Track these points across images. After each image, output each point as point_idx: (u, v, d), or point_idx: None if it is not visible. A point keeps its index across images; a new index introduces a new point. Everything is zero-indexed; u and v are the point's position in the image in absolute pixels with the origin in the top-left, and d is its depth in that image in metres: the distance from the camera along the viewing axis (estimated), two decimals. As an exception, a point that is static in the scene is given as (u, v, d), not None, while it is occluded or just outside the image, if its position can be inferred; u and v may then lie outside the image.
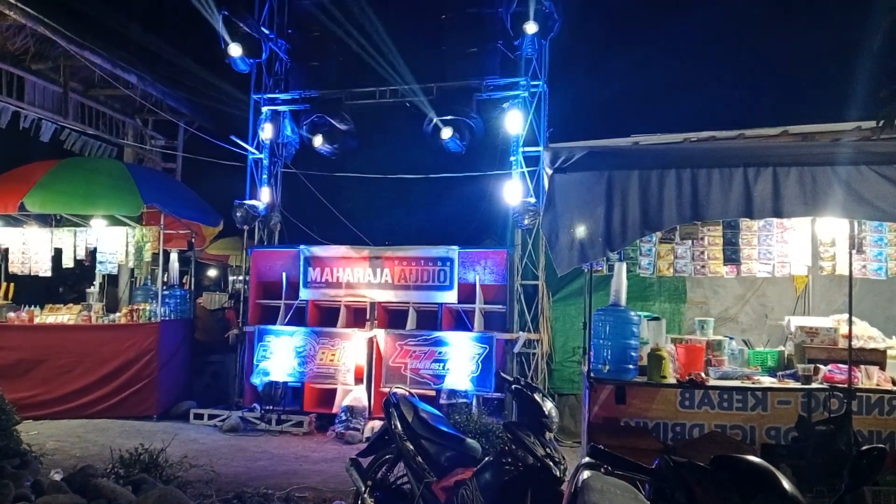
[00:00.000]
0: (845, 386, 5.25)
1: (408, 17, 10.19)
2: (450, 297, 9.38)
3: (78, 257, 10.70)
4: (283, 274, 10.06)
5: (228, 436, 8.86)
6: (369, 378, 9.28)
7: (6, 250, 10.71)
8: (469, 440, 4.51)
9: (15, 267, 10.65)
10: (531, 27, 9.10)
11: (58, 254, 10.63)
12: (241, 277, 12.88)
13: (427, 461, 4.36)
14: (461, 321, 9.44)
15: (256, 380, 9.49)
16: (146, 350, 9.59)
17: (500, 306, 9.37)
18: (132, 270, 12.27)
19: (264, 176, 10.88)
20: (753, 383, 5.52)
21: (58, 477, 5.67)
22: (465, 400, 8.61)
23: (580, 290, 8.71)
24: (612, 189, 5.26)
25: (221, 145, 11.16)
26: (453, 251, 9.42)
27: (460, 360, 8.94)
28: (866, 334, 6.00)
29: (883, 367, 5.56)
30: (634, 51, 15.82)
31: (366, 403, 9.10)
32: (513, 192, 9.51)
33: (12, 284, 10.83)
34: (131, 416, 9.42)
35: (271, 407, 9.30)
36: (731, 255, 6.59)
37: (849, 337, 5.43)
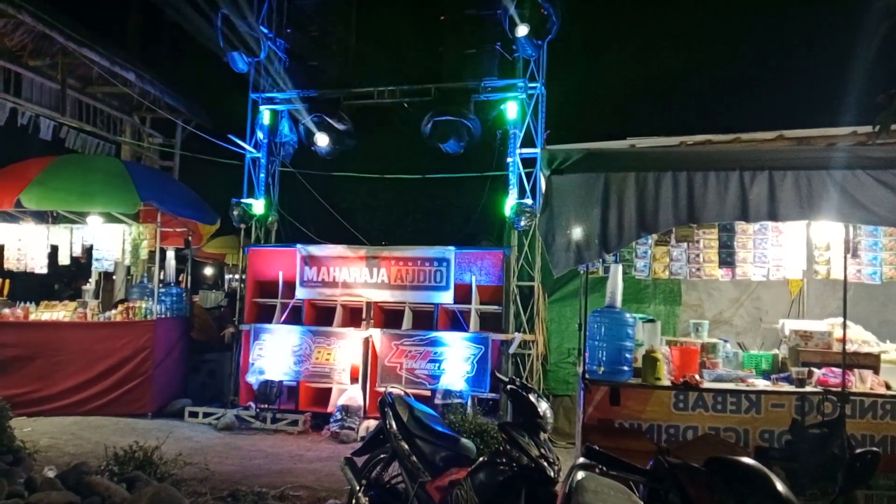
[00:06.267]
0: (839, 389, 5.27)
1: (406, 17, 10.21)
2: (446, 297, 9.38)
3: (74, 254, 10.68)
4: (280, 273, 10.04)
5: (223, 434, 8.85)
6: (365, 377, 9.28)
7: (2, 247, 10.67)
8: (464, 440, 4.52)
9: (10, 263, 10.61)
10: (522, 30, 9.11)
11: (54, 251, 10.60)
12: (237, 276, 12.87)
13: (422, 461, 4.36)
14: (457, 321, 9.44)
15: (252, 378, 9.49)
16: (141, 348, 9.57)
17: (496, 307, 9.37)
18: (128, 268, 12.25)
19: (262, 175, 10.88)
20: (747, 386, 5.54)
21: (51, 474, 5.66)
22: (460, 400, 8.62)
23: (576, 291, 8.73)
24: (609, 191, 5.28)
25: (219, 144, 11.15)
26: (450, 252, 9.42)
27: (456, 360, 8.95)
28: (860, 338, 6.03)
29: (876, 371, 5.58)
30: (632, 54, 15.88)
31: (361, 403, 9.11)
32: (510, 193, 9.53)
33: (8, 281, 10.81)
34: (126, 413, 9.40)
35: (266, 405, 9.29)
36: (727, 258, 6.60)
37: (843, 341, 5.45)
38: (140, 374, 9.53)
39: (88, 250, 10.58)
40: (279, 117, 11.04)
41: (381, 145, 14.16)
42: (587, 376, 5.57)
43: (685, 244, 6.64)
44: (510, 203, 9.42)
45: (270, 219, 11.07)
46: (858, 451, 2.77)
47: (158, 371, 9.70)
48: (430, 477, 4.29)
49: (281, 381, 9.44)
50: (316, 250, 9.98)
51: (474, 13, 9.98)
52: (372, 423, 8.27)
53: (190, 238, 11.23)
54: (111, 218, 10.45)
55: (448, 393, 8.75)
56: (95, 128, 12.47)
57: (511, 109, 9.70)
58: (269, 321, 9.89)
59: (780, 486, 2.60)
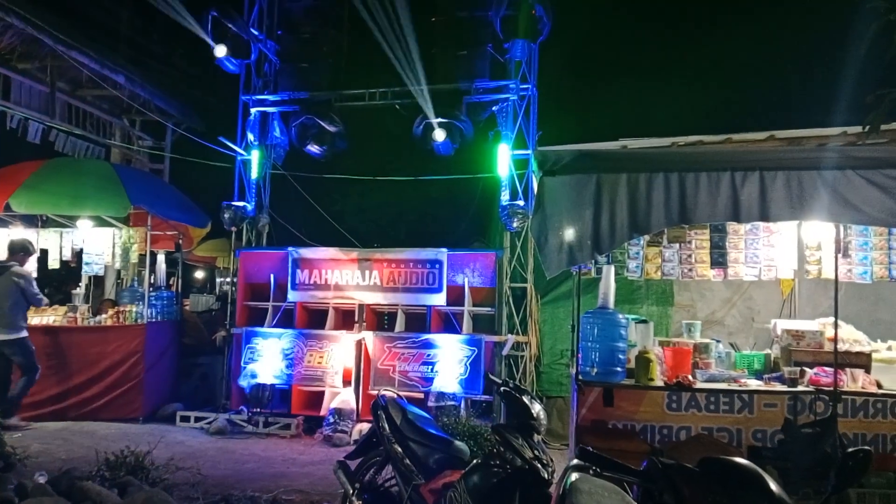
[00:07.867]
0: (831, 389, 5.29)
1: (397, 19, 10.18)
2: (438, 299, 9.37)
3: (64, 258, 10.61)
4: (271, 276, 10.01)
5: (215, 438, 8.81)
6: (357, 380, 9.25)
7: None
8: (457, 442, 4.51)
9: (-1, 268, 10.53)
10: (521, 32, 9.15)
11: (43, 255, 10.52)
12: (228, 279, 12.82)
13: (415, 463, 4.35)
14: (450, 323, 9.44)
15: (244, 382, 9.44)
16: (132, 352, 9.51)
17: (489, 309, 9.37)
18: (118, 272, 12.19)
19: (252, 177, 10.84)
20: (740, 386, 5.55)
21: (42, 480, 5.61)
22: (453, 402, 8.60)
23: (568, 292, 8.72)
24: (601, 192, 5.28)
25: (209, 146, 11.11)
26: (442, 253, 9.41)
27: (449, 362, 8.93)
28: (852, 338, 6.06)
29: (868, 371, 5.61)
30: (623, 55, 15.94)
31: (354, 406, 9.07)
32: (501, 194, 9.53)
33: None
34: (117, 418, 9.34)
35: (258, 409, 9.24)
36: (718, 259, 6.63)
37: (834, 340, 5.47)
38: (131, 379, 9.47)
39: (78, 254, 10.51)
40: (270, 119, 11.01)
41: (373, 147, 14.14)
42: (580, 377, 5.57)
43: (677, 245, 6.67)
44: (502, 204, 9.42)
45: (262, 222, 11.03)
46: (850, 449, 2.77)
47: (150, 375, 9.64)
48: (423, 479, 4.28)
49: (273, 385, 9.40)
50: (308, 253, 9.95)
51: (466, 15, 10.00)
52: (365, 427, 8.24)
53: (180, 241, 11.17)
54: (101, 221, 10.39)
55: (441, 395, 8.74)
56: (85, 131, 12.41)
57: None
58: (261, 324, 9.85)
59: (773, 486, 2.60)
